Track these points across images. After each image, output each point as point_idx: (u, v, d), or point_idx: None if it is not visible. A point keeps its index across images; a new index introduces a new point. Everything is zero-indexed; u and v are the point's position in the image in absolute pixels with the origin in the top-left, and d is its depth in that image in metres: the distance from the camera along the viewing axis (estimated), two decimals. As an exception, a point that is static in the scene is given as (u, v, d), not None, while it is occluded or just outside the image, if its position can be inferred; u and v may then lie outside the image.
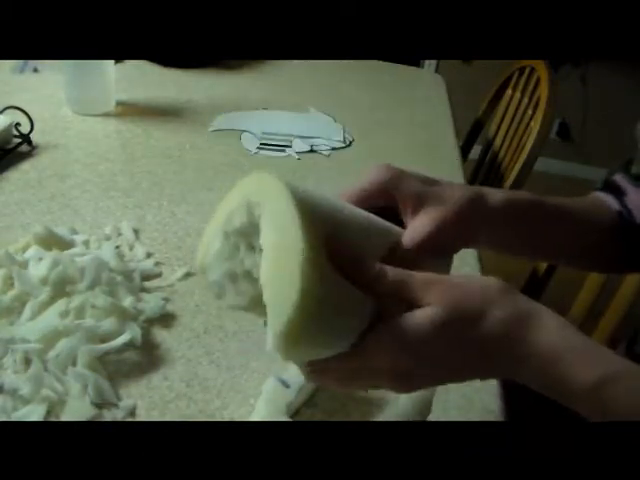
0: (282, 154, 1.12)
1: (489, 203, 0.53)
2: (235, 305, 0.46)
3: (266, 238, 0.42)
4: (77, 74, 1.12)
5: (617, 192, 0.65)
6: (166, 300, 0.73)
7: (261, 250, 0.42)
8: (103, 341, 0.65)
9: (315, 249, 0.39)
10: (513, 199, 0.55)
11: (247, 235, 0.44)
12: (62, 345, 0.62)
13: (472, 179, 1.63)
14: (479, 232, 0.53)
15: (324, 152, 1.14)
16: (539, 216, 0.57)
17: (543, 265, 1.24)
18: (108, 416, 0.59)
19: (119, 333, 0.66)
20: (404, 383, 0.45)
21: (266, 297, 0.41)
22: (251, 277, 0.44)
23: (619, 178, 0.67)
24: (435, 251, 0.49)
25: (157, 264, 0.79)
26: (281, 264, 0.40)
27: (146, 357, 0.66)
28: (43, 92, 1.20)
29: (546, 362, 0.43)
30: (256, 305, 0.45)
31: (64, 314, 0.66)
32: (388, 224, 0.49)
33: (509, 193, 0.55)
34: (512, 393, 0.67)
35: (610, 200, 0.65)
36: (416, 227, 0.49)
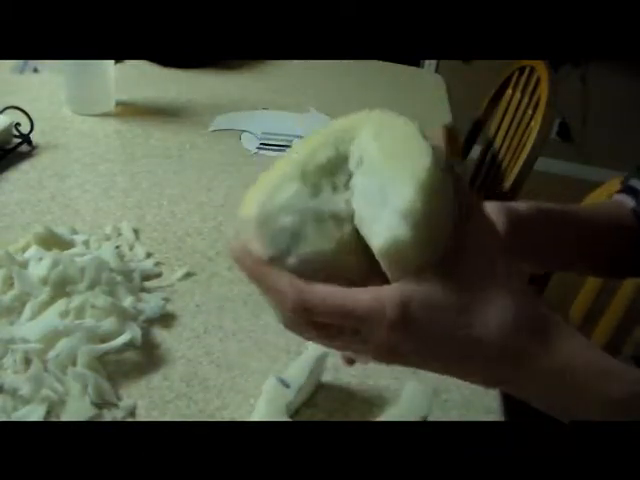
0: (282, 154, 1.11)
1: (518, 210, 0.52)
2: (313, 253, 0.40)
3: (373, 136, 0.41)
4: (77, 74, 1.12)
5: (634, 193, 0.66)
6: (166, 300, 0.73)
7: (346, 188, 0.41)
8: (103, 341, 0.65)
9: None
10: (538, 206, 0.55)
11: (331, 172, 0.41)
12: (62, 345, 0.62)
13: (472, 179, 1.63)
14: (512, 240, 0.51)
15: (324, 152, 1.14)
16: (564, 220, 0.57)
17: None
18: (108, 416, 0.59)
19: (119, 333, 0.66)
20: (388, 352, 0.40)
21: (385, 178, 0.39)
22: (338, 219, 0.40)
23: (635, 182, 0.67)
24: None
25: (157, 264, 0.79)
26: (402, 141, 0.40)
27: (146, 357, 0.66)
28: (43, 92, 1.20)
29: (563, 377, 0.39)
30: (341, 250, 0.40)
31: (64, 314, 0.66)
32: None
33: (532, 202, 0.55)
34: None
35: (626, 199, 0.66)
36: None
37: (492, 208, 0.51)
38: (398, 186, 0.38)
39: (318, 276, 0.40)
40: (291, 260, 0.40)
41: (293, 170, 0.42)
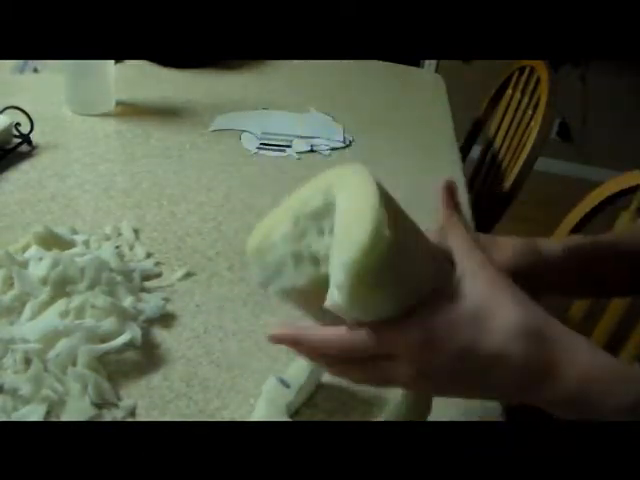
0: (282, 154, 1.12)
1: (546, 253, 0.52)
2: (288, 287, 0.47)
3: (342, 201, 0.44)
4: (77, 74, 1.12)
5: None
6: (166, 300, 0.73)
7: (330, 233, 0.45)
8: (103, 341, 0.65)
9: (387, 212, 0.42)
10: (570, 245, 0.54)
11: (319, 218, 0.46)
12: (62, 345, 0.62)
13: (472, 179, 1.64)
14: (537, 281, 0.51)
15: (324, 152, 1.14)
16: (598, 257, 0.56)
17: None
18: (108, 416, 0.59)
19: (119, 333, 0.66)
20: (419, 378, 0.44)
21: (335, 246, 0.43)
22: (316, 260, 0.46)
23: None
24: None
25: (157, 264, 0.79)
26: (354, 216, 0.43)
27: (146, 357, 0.66)
28: (43, 92, 1.21)
29: (576, 387, 0.41)
30: (314, 286, 0.46)
31: (64, 314, 0.66)
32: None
33: (564, 240, 0.55)
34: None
35: None
36: None
37: (515, 242, 0.52)
38: (345, 249, 0.42)
39: (299, 303, 0.49)
40: (273, 289, 0.48)
41: (287, 214, 0.47)
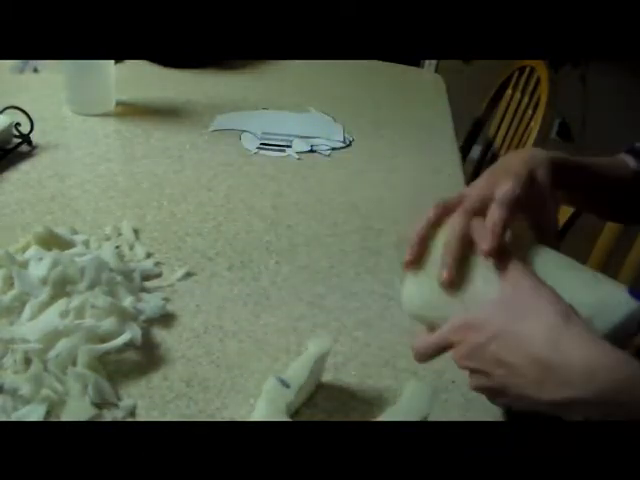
0: (282, 154, 1.12)
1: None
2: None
3: None
4: (77, 74, 1.12)
5: (637, 155, 0.70)
6: (166, 300, 0.73)
7: None
8: (103, 341, 0.65)
9: None
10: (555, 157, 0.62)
11: None
12: (62, 345, 0.62)
13: (472, 179, 1.63)
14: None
15: (324, 152, 1.14)
16: (572, 168, 0.65)
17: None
18: (108, 416, 0.59)
19: (119, 333, 0.66)
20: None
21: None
22: None
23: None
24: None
25: (157, 264, 0.79)
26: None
27: (146, 357, 0.66)
28: (43, 92, 1.21)
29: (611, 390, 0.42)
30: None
31: (64, 314, 0.66)
32: None
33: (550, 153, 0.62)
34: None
35: (630, 160, 0.70)
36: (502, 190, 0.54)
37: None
38: None
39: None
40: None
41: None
